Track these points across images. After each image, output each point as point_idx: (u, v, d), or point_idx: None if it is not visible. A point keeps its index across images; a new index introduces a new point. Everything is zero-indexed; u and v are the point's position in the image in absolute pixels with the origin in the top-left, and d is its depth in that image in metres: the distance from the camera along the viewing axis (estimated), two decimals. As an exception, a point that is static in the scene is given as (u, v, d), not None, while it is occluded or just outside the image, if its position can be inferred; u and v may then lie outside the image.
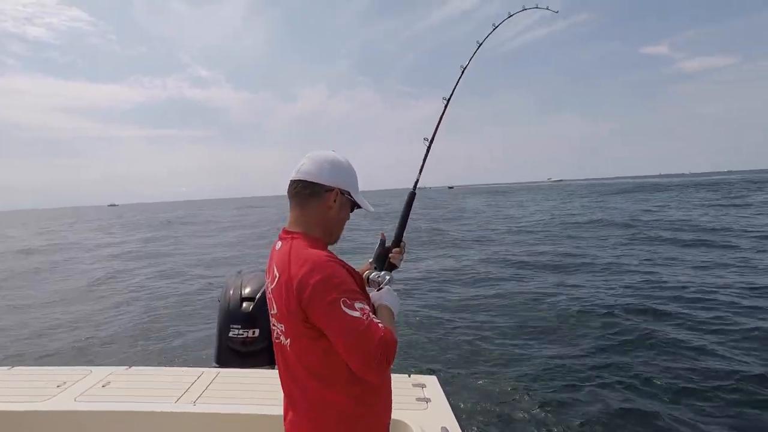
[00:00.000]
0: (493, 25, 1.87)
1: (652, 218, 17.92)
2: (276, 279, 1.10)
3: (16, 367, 2.17)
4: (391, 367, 1.06)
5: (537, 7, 1.92)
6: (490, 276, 9.34)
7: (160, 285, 10.44)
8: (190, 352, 6.02)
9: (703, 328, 5.46)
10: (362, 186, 1.27)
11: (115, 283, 11.00)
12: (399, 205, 1.59)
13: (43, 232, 32.08)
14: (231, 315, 2.82)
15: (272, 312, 1.15)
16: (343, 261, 1.12)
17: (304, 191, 1.16)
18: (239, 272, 3.18)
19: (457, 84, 1.69)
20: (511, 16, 1.88)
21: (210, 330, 3.01)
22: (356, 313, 1.00)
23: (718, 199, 26.38)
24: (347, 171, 1.21)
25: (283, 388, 1.19)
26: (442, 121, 1.61)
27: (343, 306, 0.99)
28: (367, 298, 1.12)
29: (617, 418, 3.65)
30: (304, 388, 1.11)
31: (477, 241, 15.34)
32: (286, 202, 1.22)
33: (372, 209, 1.27)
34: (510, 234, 16.55)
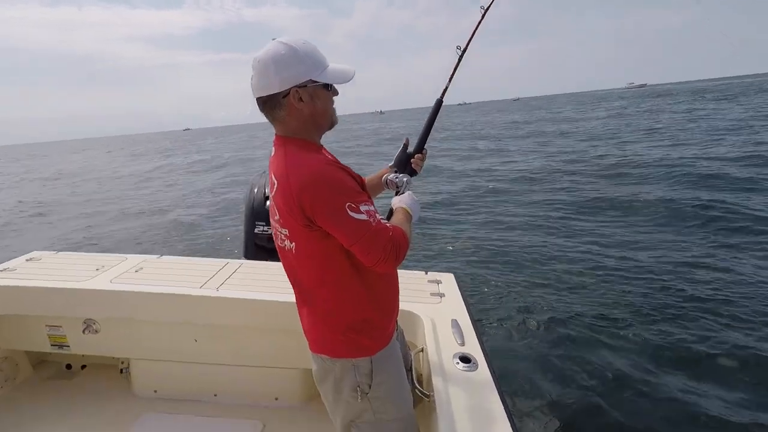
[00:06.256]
0: None
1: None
2: (275, 186, 1.09)
3: (61, 252, 2.39)
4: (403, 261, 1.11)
5: None
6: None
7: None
8: (221, 247, 6.34)
9: None
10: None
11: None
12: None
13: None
14: (255, 212, 2.91)
15: (275, 218, 1.16)
16: (340, 163, 1.11)
17: (266, 107, 1.10)
18: (264, 172, 3.19)
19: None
20: None
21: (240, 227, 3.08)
22: (363, 216, 1.02)
23: None
24: (297, 58, 1.05)
25: (293, 288, 1.23)
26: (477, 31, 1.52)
27: (349, 210, 1.01)
28: (370, 199, 1.13)
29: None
30: (315, 282, 1.15)
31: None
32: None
33: (350, 74, 1.11)
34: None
